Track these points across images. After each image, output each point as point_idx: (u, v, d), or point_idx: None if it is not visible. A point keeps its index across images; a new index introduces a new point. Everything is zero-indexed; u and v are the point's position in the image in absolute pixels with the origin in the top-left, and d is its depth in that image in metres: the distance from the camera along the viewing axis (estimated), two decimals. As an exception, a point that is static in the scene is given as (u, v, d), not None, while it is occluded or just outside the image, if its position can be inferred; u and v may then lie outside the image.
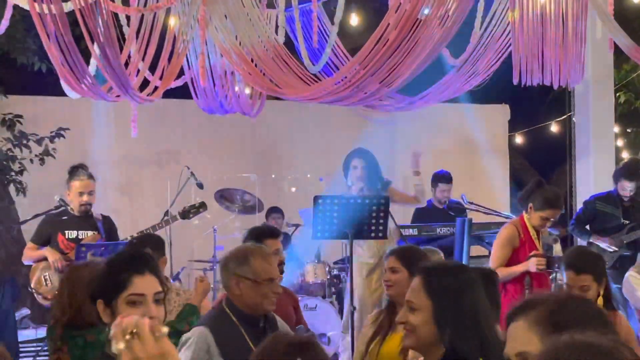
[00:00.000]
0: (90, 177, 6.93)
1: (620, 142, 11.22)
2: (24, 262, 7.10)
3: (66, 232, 6.87)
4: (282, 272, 5.37)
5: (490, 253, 8.28)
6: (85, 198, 6.87)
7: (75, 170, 6.93)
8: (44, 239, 6.94)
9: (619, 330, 4.31)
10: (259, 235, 5.32)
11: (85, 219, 6.93)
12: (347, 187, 7.30)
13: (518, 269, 5.88)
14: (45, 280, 6.79)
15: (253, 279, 3.96)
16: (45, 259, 6.80)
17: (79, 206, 6.87)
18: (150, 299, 2.91)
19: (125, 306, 2.90)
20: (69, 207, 6.95)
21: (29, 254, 6.98)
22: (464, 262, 7.60)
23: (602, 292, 4.38)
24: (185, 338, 3.83)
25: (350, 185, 7.24)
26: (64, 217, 6.95)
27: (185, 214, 7.23)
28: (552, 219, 6.00)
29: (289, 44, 7.21)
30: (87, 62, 6.55)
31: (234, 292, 3.98)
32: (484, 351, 2.73)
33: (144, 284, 2.93)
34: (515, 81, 6.56)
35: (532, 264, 5.78)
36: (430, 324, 2.84)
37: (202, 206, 7.34)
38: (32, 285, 6.82)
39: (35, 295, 6.83)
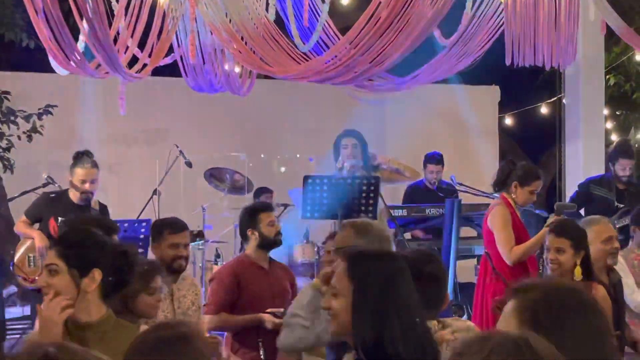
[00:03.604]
0: (95, 165, 6.83)
1: (609, 125, 11.22)
2: (15, 232, 7.05)
3: (59, 218, 6.79)
4: (280, 242, 5.50)
5: (479, 234, 8.33)
6: (87, 186, 6.78)
7: (79, 157, 6.81)
8: (36, 217, 6.87)
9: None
10: (253, 210, 5.61)
11: (81, 207, 6.81)
12: (336, 169, 7.25)
13: (536, 241, 5.73)
14: (29, 260, 6.72)
15: None
16: (33, 238, 6.74)
17: (80, 194, 6.80)
18: None
19: None
20: (56, 184, 6.89)
21: (21, 227, 6.93)
22: (453, 243, 7.59)
23: (578, 262, 4.64)
24: None
25: (341, 167, 7.18)
26: (60, 202, 6.84)
27: None
28: (537, 191, 6.04)
29: (280, 22, 7.16)
30: (76, 39, 6.49)
31: None
32: (404, 345, 2.61)
33: None
34: (507, 62, 6.55)
35: None
36: (351, 311, 2.73)
37: (200, 235, 7.49)
38: (15, 261, 6.75)
39: (16, 272, 6.74)
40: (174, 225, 5.15)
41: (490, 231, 5.96)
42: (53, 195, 6.91)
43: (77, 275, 3.05)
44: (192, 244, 7.70)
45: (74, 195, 6.84)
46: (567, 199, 8.68)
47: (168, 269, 4.91)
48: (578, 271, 4.63)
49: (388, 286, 2.71)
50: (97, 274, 3.07)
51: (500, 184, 6.07)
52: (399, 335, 2.62)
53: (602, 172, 8.67)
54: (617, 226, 8.03)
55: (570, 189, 9.01)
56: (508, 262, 5.80)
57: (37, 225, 6.87)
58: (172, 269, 5.01)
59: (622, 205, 8.08)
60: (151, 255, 5.27)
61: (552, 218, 5.89)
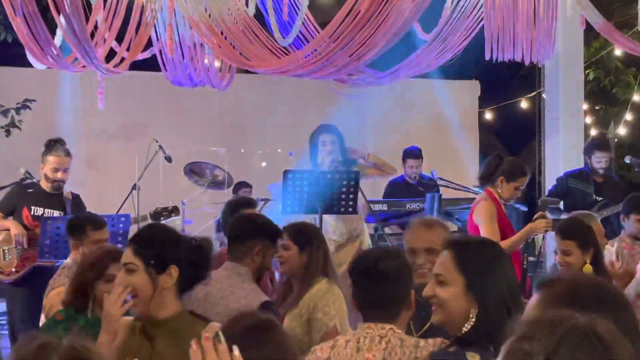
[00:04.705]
0: (67, 154, 6.75)
1: (588, 120, 11.27)
2: None
3: (32, 207, 6.73)
4: None
5: (459, 229, 8.34)
6: (59, 175, 6.72)
7: (52, 145, 6.73)
8: (9, 209, 6.81)
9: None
10: (235, 205, 5.57)
11: (54, 196, 6.76)
12: (314, 165, 7.20)
13: (521, 236, 5.81)
14: (4, 253, 6.66)
15: None
16: (8, 229, 6.68)
17: (52, 182, 6.74)
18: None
19: None
20: (35, 180, 6.83)
21: None
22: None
23: (589, 260, 4.61)
24: None
25: (320, 163, 7.13)
26: (32, 191, 6.78)
27: (157, 215, 7.21)
28: (522, 187, 6.07)
29: (259, 16, 7.13)
30: (53, 33, 6.44)
31: None
32: (511, 323, 2.71)
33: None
34: (487, 56, 6.55)
35: (540, 226, 5.78)
36: (460, 298, 2.75)
37: (175, 211, 7.38)
38: None
39: None
40: (95, 222, 5.04)
41: (475, 226, 5.96)
42: (24, 185, 6.85)
43: (154, 272, 3.07)
44: (168, 219, 7.65)
45: (45, 185, 6.78)
46: (546, 193, 8.71)
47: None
48: (587, 269, 4.58)
49: (496, 271, 2.77)
50: (174, 271, 3.09)
51: (487, 178, 6.07)
52: (506, 316, 2.68)
53: (582, 166, 8.70)
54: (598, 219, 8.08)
55: (550, 183, 9.04)
56: (492, 257, 5.79)
57: (10, 218, 6.81)
58: None
59: (600, 198, 8.13)
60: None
61: (537, 214, 5.91)
